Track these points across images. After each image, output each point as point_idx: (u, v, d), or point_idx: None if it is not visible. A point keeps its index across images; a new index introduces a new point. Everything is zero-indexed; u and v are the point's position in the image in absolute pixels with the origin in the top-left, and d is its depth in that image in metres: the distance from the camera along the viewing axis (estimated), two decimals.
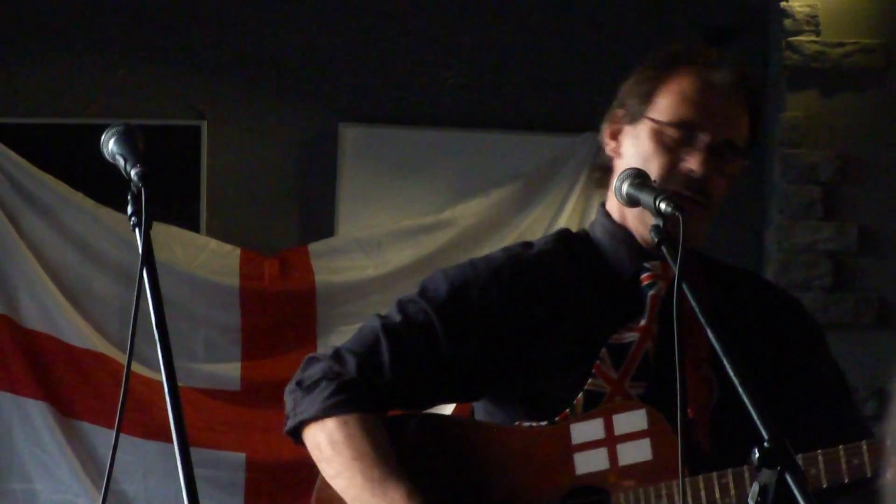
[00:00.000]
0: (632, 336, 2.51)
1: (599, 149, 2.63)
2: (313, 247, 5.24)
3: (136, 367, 4.76)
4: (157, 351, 1.98)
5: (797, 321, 2.65)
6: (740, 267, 2.75)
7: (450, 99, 5.33)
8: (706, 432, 2.47)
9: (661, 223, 2.29)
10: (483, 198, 5.25)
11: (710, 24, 5.25)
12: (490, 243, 4.97)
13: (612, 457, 2.46)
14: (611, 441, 2.46)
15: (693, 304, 2.19)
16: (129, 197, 2.08)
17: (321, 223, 5.30)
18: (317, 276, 5.19)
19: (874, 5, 5.09)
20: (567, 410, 2.48)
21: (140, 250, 2.03)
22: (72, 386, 5.04)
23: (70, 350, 5.05)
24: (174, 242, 5.14)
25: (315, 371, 2.55)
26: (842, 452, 2.37)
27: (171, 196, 5.18)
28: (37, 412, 5.01)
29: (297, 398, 2.54)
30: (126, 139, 2.17)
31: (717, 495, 2.40)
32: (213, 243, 5.22)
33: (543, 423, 2.49)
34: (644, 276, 2.54)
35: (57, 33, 5.28)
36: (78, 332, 5.06)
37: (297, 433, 2.55)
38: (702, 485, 2.40)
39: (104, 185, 4.87)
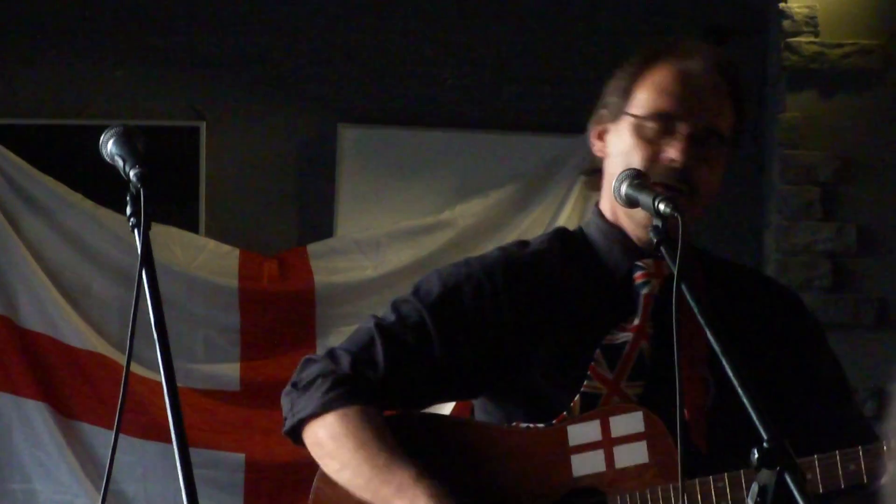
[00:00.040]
0: (625, 336, 2.51)
1: (589, 151, 2.63)
2: (312, 247, 5.25)
3: (136, 368, 4.76)
4: (156, 351, 1.98)
5: (796, 317, 2.64)
6: (740, 263, 2.75)
7: (449, 100, 5.33)
8: (703, 433, 2.46)
9: (660, 224, 2.29)
10: (482, 198, 5.25)
11: (710, 24, 5.26)
12: (489, 244, 4.97)
13: (609, 459, 2.45)
14: (608, 443, 2.45)
15: (692, 304, 2.18)
16: (128, 198, 2.08)
17: (320, 224, 5.30)
18: (316, 276, 5.19)
19: (873, 6, 5.10)
20: (564, 413, 2.48)
21: (139, 251, 2.03)
22: (71, 386, 5.04)
23: (69, 351, 5.06)
24: (173, 243, 5.14)
25: (310, 371, 2.55)
26: (838, 458, 2.37)
27: (170, 197, 5.18)
28: (36, 413, 5.01)
29: (294, 398, 2.55)
30: (125, 140, 2.17)
31: (714, 500, 2.39)
32: (213, 244, 5.22)
33: (541, 425, 2.49)
34: (637, 274, 2.54)
35: (56, 34, 5.29)
36: (77, 333, 5.06)
37: (296, 433, 2.55)
38: (698, 488, 2.40)
39: (103, 186, 4.87)
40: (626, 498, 2.43)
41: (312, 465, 2.56)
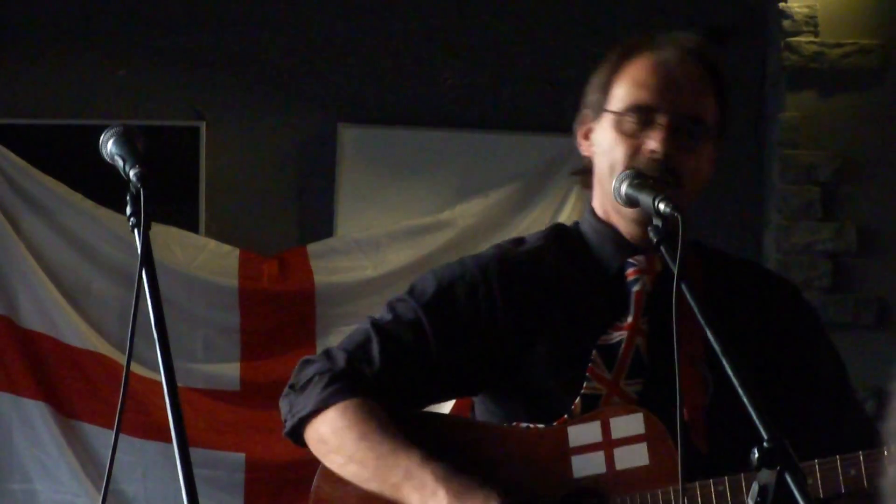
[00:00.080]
0: (619, 335, 2.50)
1: (577, 152, 2.63)
2: (312, 247, 5.25)
3: (136, 368, 4.76)
4: (156, 351, 1.98)
5: (794, 308, 2.62)
6: (736, 255, 2.73)
7: (449, 100, 5.34)
8: (703, 432, 2.46)
9: (660, 224, 2.29)
10: (482, 198, 5.25)
11: (710, 24, 5.26)
12: (489, 244, 4.91)
13: (609, 461, 2.45)
14: (608, 445, 2.45)
15: (693, 305, 2.18)
16: (128, 198, 2.08)
17: (320, 224, 5.30)
18: (316, 276, 5.19)
19: (872, 6, 5.10)
20: (565, 416, 2.48)
21: (139, 251, 2.03)
22: (71, 386, 5.05)
23: (69, 350, 5.06)
24: (173, 243, 5.14)
25: (307, 372, 2.55)
26: (839, 462, 2.36)
27: (170, 197, 5.18)
28: (36, 413, 5.01)
29: (292, 400, 2.55)
30: (125, 140, 2.17)
31: (714, 503, 2.39)
32: (212, 244, 5.22)
33: (541, 426, 2.48)
34: (629, 271, 2.53)
35: (56, 34, 5.29)
36: (77, 333, 5.06)
37: (297, 433, 2.55)
38: (698, 492, 2.39)
39: (103, 186, 4.87)
40: (627, 500, 2.43)
41: (313, 465, 2.56)
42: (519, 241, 2.66)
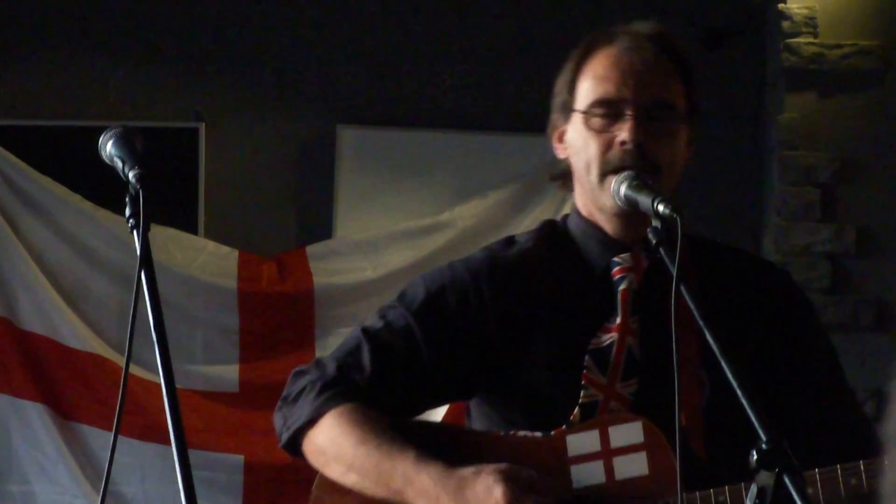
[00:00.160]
0: (609, 337, 2.49)
1: (554, 157, 2.63)
2: (311, 249, 5.24)
3: (135, 369, 4.75)
4: (155, 353, 1.98)
5: (785, 294, 2.60)
6: (725, 243, 2.70)
7: (448, 101, 5.33)
8: (700, 435, 2.45)
9: (659, 225, 2.29)
10: (481, 199, 5.25)
11: (709, 25, 5.26)
12: None
13: (609, 470, 2.43)
14: (607, 454, 2.43)
15: (692, 307, 2.18)
16: (127, 199, 2.08)
17: (319, 225, 5.30)
18: (315, 277, 5.18)
19: (872, 7, 5.10)
20: (564, 427, 2.46)
21: (138, 252, 2.03)
22: (70, 388, 5.04)
23: (68, 352, 5.05)
24: (172, 244, 5.14)
25: (298, 384, 2.55)
26: (839, 472, 2.36)
27: (169, 198, 5.18)
28: (35, 414, 5.01)
29: (286, 412, 2.54)
30: (124, 141, 2.17)
31: None
32: (212, 245, 5.22)
33: (538, 434, 2.47)
34: (615, 270, 2.52)
35: (55, 35, 5.28)
36: (76, 334, 5.06)
37: (293, 445, 2.54)
38: (699, 502, 2.38)
39: (102, 188, 4.86)
40: None
41: (312, 466, 2.55)
42: (509, 241, 2.65)
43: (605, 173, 2.48)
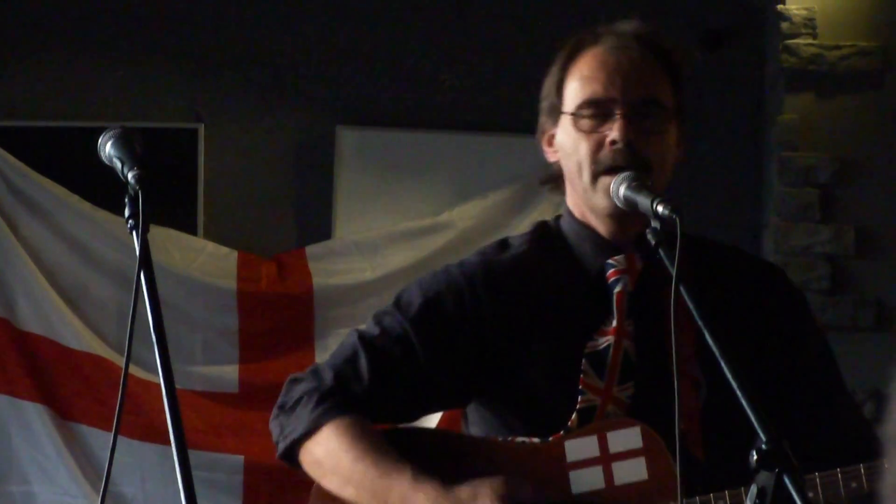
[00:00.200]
0: (606, 340, 2.48)
1: (545, 161, 2.63)
2: (311, 249, 5.24)
3: (134, 370, 4.75)
4: (154, 353, 1.98)
5: (780, 291, 2.60)
6: (718, 241, 2.69)
7: (447, 101, 5.33)
8: (698, 437, 2.44)
9: (658, 226, 2.28)
10: (480, 200, 5.25)
11: (708, 26, 5.26)
12: None
13: (608, 476, 2.42)
14: (606, 459, 2.42)
15: (692, 308, 2.17)
16: (126, 200, 2.08)
17: (318, 226, 5.30)
18: (314, 278, 5.18)
19: (871, 8, 5.10)
20: (562, 433, 2.46)
21: (137, 253, 2.03)
22: (69, 388, 5.04)
23: (68, 353, 5.05)
24: (172, 245, 5.14)
25: (295, 392, 2.53)
26: (840, 476, 2.36)
27: (168, 199, 5.18)
28: (34, 415, 5.01)
29: (283, 422, 2.53)
30: (123, 142, 2.17)
31: None
32: (211, 246, 5.22)
33: (536, 440, 2.47)
34: (609, 272, 2.51)
35: (54, 36, 5.28)
36: (75, 335, 5.06)
37: (290, 456, 2.53)
38: None
39: (101, 188, 4.86)
40: None
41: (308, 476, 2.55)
42: (503, 244, 2.64)
43: (597, 174, 2.48)
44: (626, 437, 2.42)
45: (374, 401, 2.51)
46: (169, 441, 1.91)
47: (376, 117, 5.32)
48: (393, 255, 5.20)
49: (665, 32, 2.59)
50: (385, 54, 5.33)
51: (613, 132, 2.45)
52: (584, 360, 2.47)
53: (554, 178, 2.61)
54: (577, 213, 2.57)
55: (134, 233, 2.05)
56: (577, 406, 2.45)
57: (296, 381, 2.55)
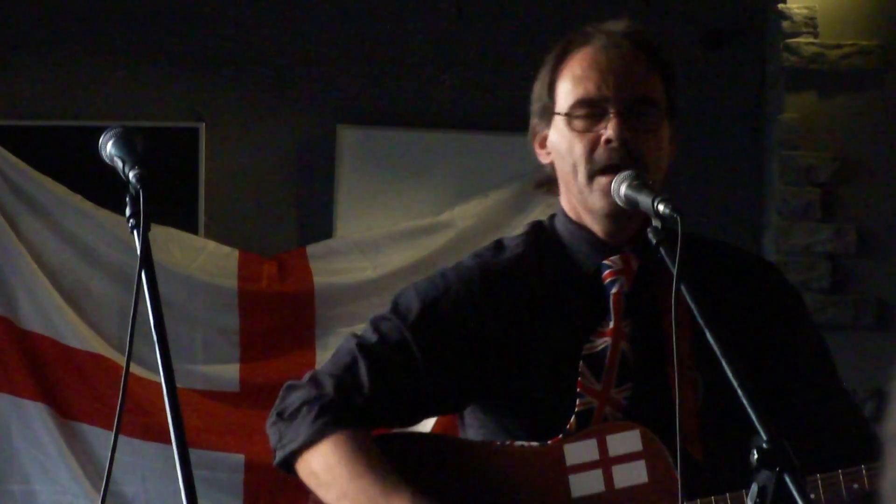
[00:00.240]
0: (603, 342, 2.47)
1: (538, 163, 2.62)
2: (311, 248, 5.24)
3: (135, 369, 4.75)
4: (155, 352, 1.98)
5: (775, 289, 2.59)
6: (713, 239, 2.69)
7: (448, 100, 5.33)
8: (697, 438, 2.43)
9: (659, 225, 2.28)
10: (481, 199, 5.25)
11: (709, 26, 5.26)
12: None
13: (608, 479, 2.42)
14: (605, 463, 2.41)
15: (693, 308, 2.17)
16: (127, 199, 2.08)
17: (319, 225, 5.30)
18: (315, 277, 5.18)
19: (872, 7, 5.10)
20: (560, 436, 2.45)
21: (139, 252, 2.03)
22: (70, 387, 5.04)
23: (69, 352, 5.05)
24: (172, 244, 5.14)
25: (294, 399, 2.52)
26: (841, 477, 2.35)
27: (169, 198, 5.17)
28: (35, 414, 5.01)
29: (282, 429, 2.52)
30: (124, 141, 2.17)
31: None
32: (212, 245, 5.22)
33: (535, 444, 2.46)
34: (605, 273, 2.50)
35: (55, 35, 5.28)
36: (76, 334, 5.06)
37: (287, 465, 2.53)
38: None
39: (103, 188, 4.86)
40: None
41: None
42: (499, 246, 2.63)
43: (592, 173, 2.47)
44: (626, 441, 2.41)
45: (374, 409, 2.50)
46: (170, 440, 1.91)
47: (377, 116, 5.32)
48: (394, 254, 5.20)
49: (659, 32, 2.59)
50: (386, 54, 5.33)
51: (608, 131, 2.45)
52: (581, 363, 2.46)
53: (548, 181, 2.60)
54: (571, 214, 2.56)
55: (135, 232, 2.05)
56: (576, 409, 2.44)
57: (294, 388, 2.54)
